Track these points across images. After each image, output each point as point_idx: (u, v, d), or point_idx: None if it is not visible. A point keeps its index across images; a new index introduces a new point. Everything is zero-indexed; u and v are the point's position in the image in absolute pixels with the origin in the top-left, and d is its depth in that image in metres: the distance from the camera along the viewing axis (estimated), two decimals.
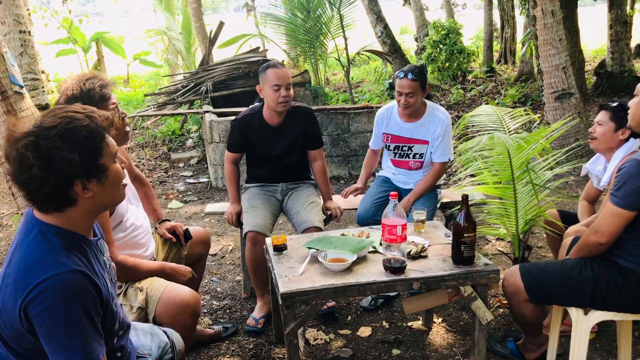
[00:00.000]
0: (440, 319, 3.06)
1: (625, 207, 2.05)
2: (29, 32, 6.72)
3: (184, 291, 2.20)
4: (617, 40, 9.13)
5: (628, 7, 9.74)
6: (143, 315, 2.15)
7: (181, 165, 6.72)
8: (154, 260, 2.49)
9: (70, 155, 1.38)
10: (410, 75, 3.09)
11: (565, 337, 2.58)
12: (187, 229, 2.72)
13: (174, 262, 2.52)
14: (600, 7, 9.22)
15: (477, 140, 2.68)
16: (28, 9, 10.48)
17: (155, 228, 2.75)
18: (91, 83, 2.15)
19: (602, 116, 2.73)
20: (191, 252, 2.74)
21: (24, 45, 6.49)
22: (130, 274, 2.22)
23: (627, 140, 2.66)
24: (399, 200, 3.26)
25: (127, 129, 2.31)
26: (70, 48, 13.32)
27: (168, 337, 1.95)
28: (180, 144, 7.55)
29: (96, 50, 14.59)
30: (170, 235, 2.67)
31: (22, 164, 1.37)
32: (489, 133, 3.04)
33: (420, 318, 3.05)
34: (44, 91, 6.43)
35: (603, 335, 2.80)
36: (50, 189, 1.39)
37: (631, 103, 2.22)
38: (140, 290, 2.19)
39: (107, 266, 1.62)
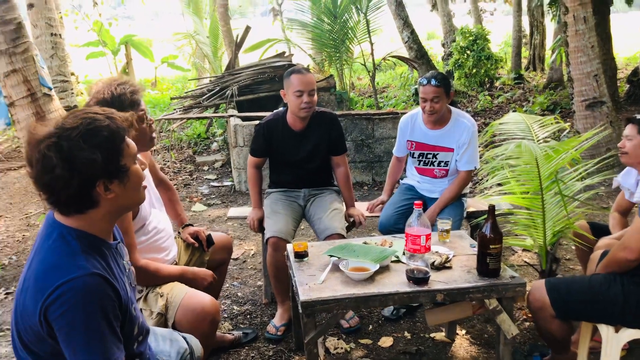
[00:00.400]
0: (463, 331, 2.99)
1: None
2: (60, 34, 6.87)
3: (204, 299, 2.18)
4: None
5: None
6: (163, 321, 2.15)
7: (206, 168, 6.76)
8: (176, 264, 2.49)
9: (92, 156, 1.38)
10: (433, 82, 3.06)
11: (594, 354, 2.49)
12: (209, 235, 2.72)
13: (195, 267, 2.51)
14: (634, 14, 9.00)
15: (504, 148, 2.61)
16: (60, 13, 10.70)
17: (179, 232, 2.75)
18: (122, 88, 2.16)
19: (630, 130, 2.64)
20: (213, 257, 2.74)
21: (55, 48, 6.64)
22: (152, 279, 2.22)
23: None
24: (424, 210, 3.22)
25: (154, 135, 2.32)
26: (100, 51, 13.56)
27: (187, 342, 1.93)
28: (205, 147, 7.60)
29: (125, 53, 14.81)
30: (192, 240, 2.67)
31: (44, 165, 1.37)
32: (519, 141, 2.98)
33: (443, 329, 2.99)
34: (73, 93, 6.57)
35: (634, 353, 2.70)
36: (73, 190, 1.39)
37: None
38: (161, 296, 2.18)
39: (127, 270, 1.62)
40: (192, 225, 2.76)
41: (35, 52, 4.09)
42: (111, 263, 1.50)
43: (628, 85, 9.15)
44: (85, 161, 1.37)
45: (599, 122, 5.53)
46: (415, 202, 2.32)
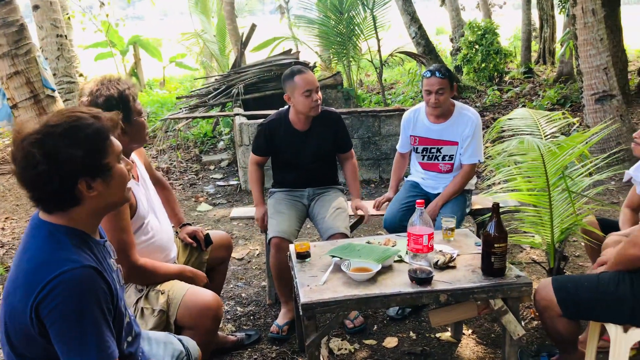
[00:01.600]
0: (470, 331, 2.94)
1: None
2: (66, 36, 6.89)
3: (206, 294, 2.18)
4: None
5: None
6: (164, 318, 2.13)
7: (212, 167, 6.74)
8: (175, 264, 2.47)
9: (74, 152, 1.38)
10: (438, 74, 3.04)
11: (603, 354, 2.43)
12: (207, 234, 2.69)
13: (194, 267, 2.49)
14: None
15: (507, 144, 2.56)
16: (67, 14, 10.74)
17: (176, 232, 2.72)
18: (124, 83, 2.19)
19: None
20: (213, 256, 2.71)
21: (61, 49, 6.67)
22: (151, 277, 2.20)
23: None
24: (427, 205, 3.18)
25: (146, 131, 2.32)
26: (108, 52, 13.62)
27: (183, 345, 1.91)
28: (212, 146, 7.59)
29: (133, 53, 14.87)
30: (190, 240, 2.64)
31: (28, 162, 1.38)
32: (523, 137, 2.92)
33: (449, 329, 2.94)
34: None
35: None
36: (55, 186, 1.39)
37: None
38: (162, 293, 2.17)
39: (115, 269, 1.60)
40: (190, 224, 2.74)
41: (37, 54, 4.09)
42: (100, 259, 1.50)
43: (639, 78, 9.00)
44: (67, 157, 1.38)
45: (609, 116, 5.42)
46: (418, 200, 2.27)
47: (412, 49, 9.90)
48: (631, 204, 2.77)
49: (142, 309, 2.16)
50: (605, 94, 5.50)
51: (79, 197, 1.43)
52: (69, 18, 10.86)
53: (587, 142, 2.71)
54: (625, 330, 2.12)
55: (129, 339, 1.57)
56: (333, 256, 2.40)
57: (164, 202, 2.69)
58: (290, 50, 8.69)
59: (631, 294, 2.07)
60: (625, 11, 8.30)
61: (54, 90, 4.12)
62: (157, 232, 2.32)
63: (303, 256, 2.47)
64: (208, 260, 2.68)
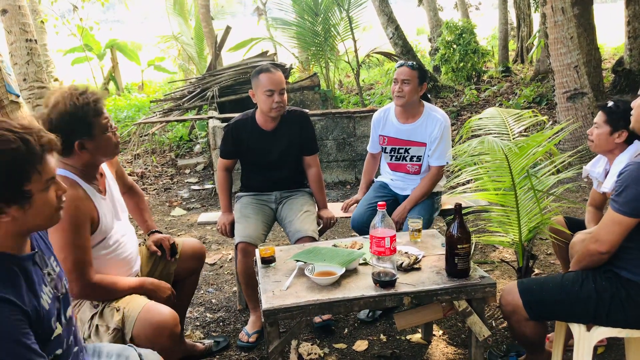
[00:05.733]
0: (440, 332, 2.92)
1: (626, 214, 1.91)
2: (36, 40, 6.76)
3: (162, 311, 2.08)
4: (635, 37, 8.84)
5: None
6: (120, 336, 2.05)
7: (187, 171, 6.67)
8: (139, 276, 2.40)
9: None
10: (409, 64, 3.07)
11: (571, 352, 2.42)
12: (174, 243, 2.59)
13: (160, 278, 2.41)
14: (621, 4, 8.94)
15: (468, 144, 2.54)
16: (40, 18, 10.58)
17: (144, 240, 2.65)
18: (85, 98, 2.06)
19: (598, 117, 2.57)
20: (182, 267, 2.60)
21: (31, 54, 6.54)
22: (109, 293, 2.13)
23: (628, 142, 2.49)
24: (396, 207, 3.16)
25: (118, 141, 2.23)
26: (84, 56, 13.44)
27: (141, 358, 1.85)
28: (188, 150, 7.52)
29: (111, 57, 14.71)
30: (155, 249, 2.55)
31: None
32: (484, 137, 2.91)
33: (420, 331, 2.92)
34: None
35: (614, 349, 2.64)
36: None
37: (635, 104, 2.06)
38: (117, 310, 2.08)
39: (50, 280, 1.52)
40: (159, 232, 2.65)
41: (1, 59, 3.99)
42: (18, 278, 1.40)
43: (613, 76, 9.11)
44: None
45: (580, 114, 5.47)
46: (379, 203, 2.24)
47: (391, 49, 9.92)
48: (594, 201, 2.78)
49: (97, 326, 2.09)
50: (577, 92, 5.54)
51: None
52: (42, 22, 10.71)
53: (550, 140, 2.71)
54: (588, 329, 2.11)
55: (59, 351, 1.49)
56: (297, 260, 2.37)
57: (134, 209, 2.62)
58: (267, 52, 8.65)
59: (594, 292, 2.06)
60: (602, 9, 8.40)
61: (18, 96, 4.02)
62: (119, 246, 2.24)
63: (268, 261, 2.43)
64: (177, 270, 2.59)
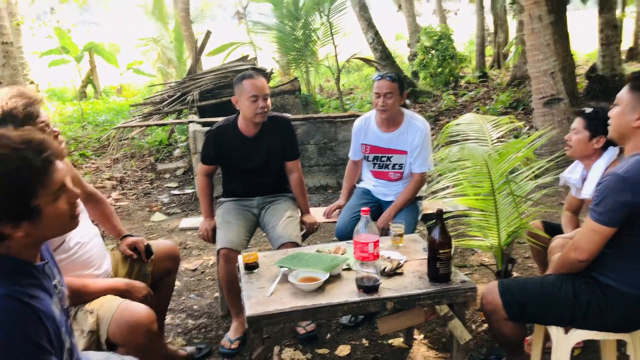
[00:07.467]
0: (421, 336, 2.96)
1: (604, 224, 1.96)
2: (11, 43, 6.67)
3: (137, 309, 2.07)
4: (608, 44, 9.06)
5: (619, 11, 9.68)
6: (95, 339, 2.03)
7: (167, 176, 6.63)
8: (111, 278, 2.38)
9: None
10: (388, 77, 3.08)
11: (550, 354, 2.47)
12: (148, 245, 2.57)
13: (137, 280, 2.40)
14: (593, 11, 9.17)
15: (448, 150, 2.59)
16: (16, 20, 10.40)
17: (118, 245, 2.63)
18: (14, 102, 2.00)
19: (577, 123, 2.64)
20: (157, 268, 2.59)
21: (7, 57, 6.45)
22: (80, 296, 2.10)
23: (603, 148, 2.56)
24: (380, 214, 3.18)
25: (63, 146, 2.20)
26: (61, 59, 13.24)
27: None
28: (167, 154, 7.46)
29: (89, 60, 14.52)
30: (130, 252, 2.53)
31: None
32: (470, 142, 2.95)
33: (402, 335, 2.94)
34: None
35: (590, 351, 2.70)
36: None
37: (611, 113, 2.12)
38: (91, 313, 2.06)
39: (58, 292, 1.52)
40: (131, 235, 2.62)
41: None
42: (36, 286, 1.40)
43: (587, 82, 9.31)
44: None
45: (556, 119, 5.58)
46: (362, 209, 2.26)
47: (371, 54, 10.00)
48: (570, 206, 2.85)
49: (71, 336, 2.07)
50: (553, 98, 5.65)
51: (3, 236, 1.33)
52: (17, 24, 10.53)
53: (530, 147, 2.77)
54: (566, 332, 2.16)
55: None
56: (281, 266, 2.37)
57: (101, 217, 2.60)
58: (247, 56, 8.64)
59: (573, 295, 2.11)
60: (575, 17, 8.58)
61: None
62: (80, 247, 2.21)
63: (251, 267, 2.43)
64: (152, 272, 2.58)
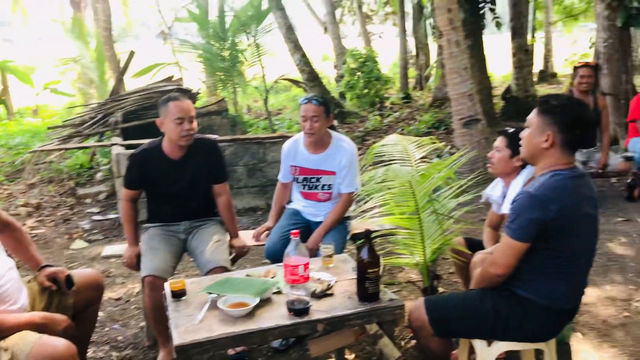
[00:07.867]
0: (352, 355, 2.97)
1: (518, 239, 2.07)
2: None
3: (56, 343, 1.97)
4: (521, 67, 9.67)
5: (529, 36, 10.37)
6: None
7: (89, 201, 6.34)
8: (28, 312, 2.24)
9: None
10: (314, 101, 3.12)
11: None
12: (69, 275, 2.44)
13: (57, 312, 2.28)
14: (507, 35, 9.79)
15: (375, 172, 2.66)
16: None
17: (35, 276, 2.47)
18: None
19: (499, 142, 2.80)
20: (80, 298, 2.46)
21: None
22: None
23: (522, 166, 2.72)
24: (309, 234, 3.20)
25: None
26: None
27: None
28: (89, 178, 7.15)
29: (1, 80, 13.76)
30: (49, 283, 2.39)
31: None
32: (395, 163, 3.05)
33: (332, 356, 2.95)
34: None
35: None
36: None
37: (522, 135, 2.25)
38: (5, 350, 1.94)
39: None
40: (50, 266, 2.48)
41: None
42: None
43: (503, 102, 9.86)
44: None
45: (475, 139, 5.87)
46: (292, 231, 2.27)
47: (299, 75, 10.10)
48: (491, 222, 2.99)
49: None
50: (472, 119, 5.95)
51: None
52: None
53: (451, 167, 2.89)
54: (489, 344, 2.25)
55: None
56: (210, 293, 2.33)
57: (16, 246, 2.45)
58: (172, 76, 8.50)
59: (493, 309, 2.20)
60: (491, 40, 9.09)
61: None
62: None
63: (179, 294, 2.37)
64: (75, 303, 2.45)
